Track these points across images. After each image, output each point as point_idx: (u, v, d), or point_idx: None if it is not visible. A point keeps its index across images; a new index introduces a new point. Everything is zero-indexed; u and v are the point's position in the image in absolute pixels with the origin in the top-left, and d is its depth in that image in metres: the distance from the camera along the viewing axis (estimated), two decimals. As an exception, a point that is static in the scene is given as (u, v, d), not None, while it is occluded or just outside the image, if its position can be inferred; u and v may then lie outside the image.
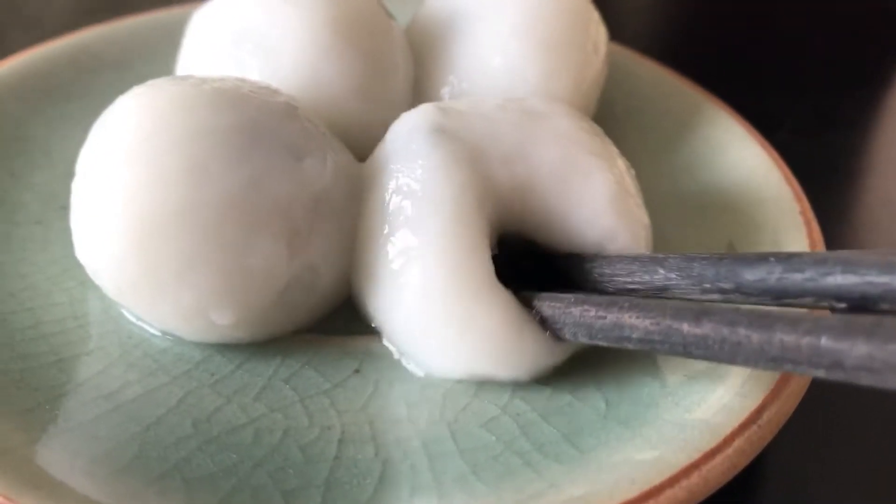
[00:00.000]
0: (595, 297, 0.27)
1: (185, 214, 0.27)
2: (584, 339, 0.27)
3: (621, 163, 0.31)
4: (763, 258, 0.25)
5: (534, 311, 0.28)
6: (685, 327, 0.24)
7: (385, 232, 0.29)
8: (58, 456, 0.25)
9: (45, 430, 0.26)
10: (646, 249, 0.30)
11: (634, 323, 0.26)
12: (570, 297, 0.28)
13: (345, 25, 0.35)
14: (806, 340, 0.21)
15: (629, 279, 0.28)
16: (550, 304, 0.28)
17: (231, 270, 0.28)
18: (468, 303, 0.27)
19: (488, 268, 0.28)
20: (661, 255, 0.28)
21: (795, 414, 0.28)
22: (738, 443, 0.26)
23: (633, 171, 0.31)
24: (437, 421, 0.28)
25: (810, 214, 0.34)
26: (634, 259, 0.28)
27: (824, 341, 0.21)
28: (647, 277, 0.28)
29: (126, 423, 0.27)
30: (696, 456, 0.25)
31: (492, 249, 0.29)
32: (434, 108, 0.30)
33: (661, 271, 0.27)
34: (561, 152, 0.29)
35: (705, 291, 0.26)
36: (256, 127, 0.29)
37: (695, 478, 0.25)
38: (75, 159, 0.30)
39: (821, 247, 0.33)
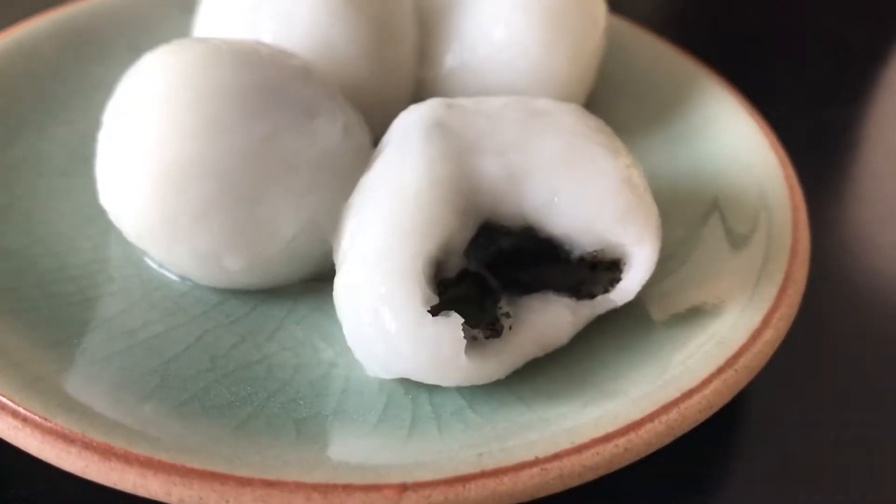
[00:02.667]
0: None
1: (203, 165, 0.29)
2: None
3: (629, 157, 0.31)
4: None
5: (484, 323, 0.29)
6: None
7: (355, 208, 0.30)
8: (86, 384, 0.28)
9: (74, 361, 0.28)
10: (657, 239, 0.30)
11: None
12: None
13: (356, -9, 0.36)
14: None
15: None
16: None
17: (243, 219, 0.30)
18: (383, 300, 0.27)
19: (419, 281, 0.27)
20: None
21: (773, 360, 0.30)
22: (715, 384, 0.28)
23: (640, 168, 0.31)
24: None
25: (794, 179, 0.36)
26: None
27: None
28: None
29: (148, 356, 0.29)
30: (675, 395, 0.27)
31: (467, 235, 0.29)
32: (441, 103, 0.31)
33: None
34: (563, 142, 0.30)
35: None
36: (273, 86, 0.30)
37: (673, 414, 0.27)
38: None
39: (802, 210, 0.35)
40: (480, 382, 0.28)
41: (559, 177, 0.29)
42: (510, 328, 0.29)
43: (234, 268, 0.30)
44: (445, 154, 0.29)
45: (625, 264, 0.30)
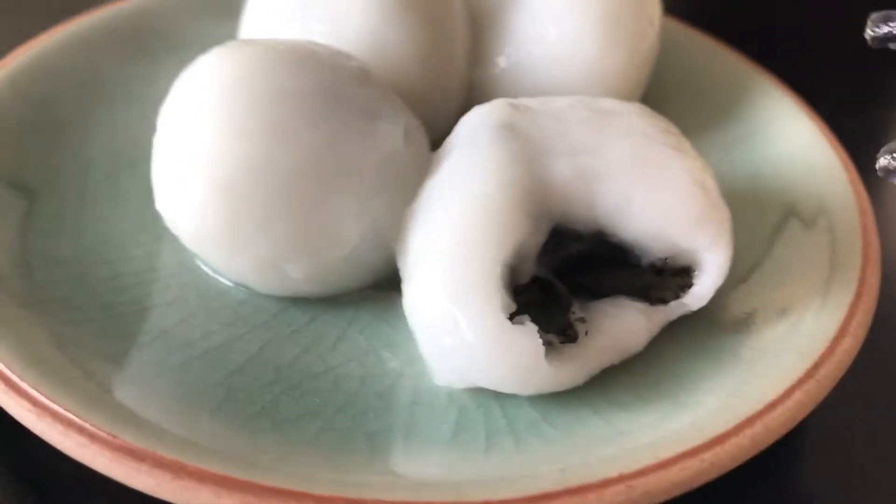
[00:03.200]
0: None
1: (265, 170, 0.28)
2: None
3: (700, 160, 0.30)
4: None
5: (559, 330, 0.28)
6: None
7: (422, 214, 0.29)
8: (151, 398, 0.27)
9: (136, 374, 0.28)
10: (730, 245, 0.29)
11: None
12: None
13: (409, -9, 0.35)
14: None
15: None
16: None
17: (305, 226, 0.29)
18: (461, 309, 0.26)
19: (497, 287, 0.26)
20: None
21: (845, 378, 0.29)
22: (797, 395, 0.27)
23: (711, 170, 0.30)
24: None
25: (859, 183, 0.35)
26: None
27: None
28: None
29: (211, 369, 0.28)
30: (758, 407, 0.26)
31: (539, 240, 0.28)
32: (506, 104, 0.31)
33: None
34: (634, 143, 0.29)
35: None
36: (333, 89, 0.30)
37: (758, 426, 0.26)
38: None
39: (869, 214, 0.34)
40: (558, 389, 0.27)
41: (631, 180, 0.28)
42: (586, 333, 0.28)
43: (296, 275, 0.29)
44: (515, 156, 0.28)
45: (695, 270, 0.29)
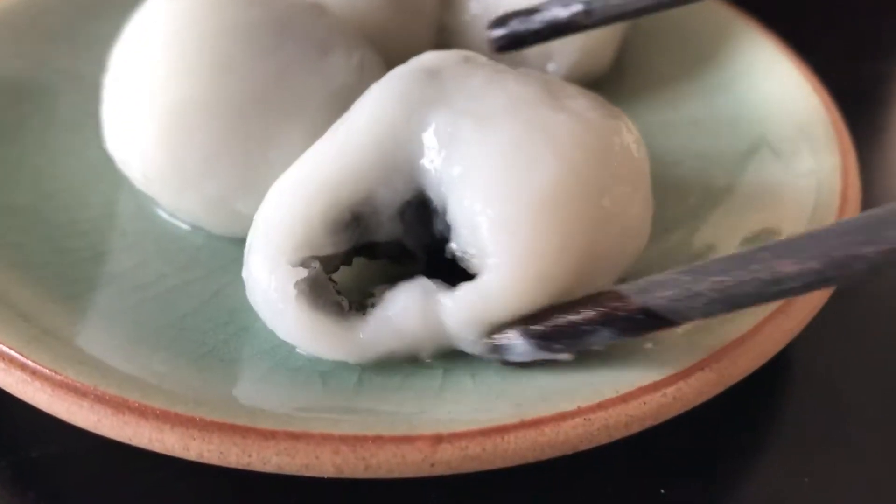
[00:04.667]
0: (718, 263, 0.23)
1: (210, 105, 0.28)
2: (723, 310, 0.23)
3: (598, 177, 0.25)
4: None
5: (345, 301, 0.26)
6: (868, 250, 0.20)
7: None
8: (98, 338, 0.26)
9: (85, 315, 0.27)
10: (523, 274, 0.24)
11: (789, 271, 0.21)
12: (678, 276, 0.23)
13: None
14: None
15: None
16: (660, 294, 0.23)
17: (255, 161, 0.28)
18: (272, 230, 0.25)
19: (309, 222, 0.25)
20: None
21: (823, 310, 0.28)
22: (768, 330, 0.26)
23: (609, 191, 0.25)
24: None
25: (841, 124, 0.34)
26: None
27: None
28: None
29: (163, 311, 0.27)
30: (726, 341, 0.25)
31: (396, 196, 0.26)
32: (460, 53, 0.28)
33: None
34: (524, 133, 0.25)
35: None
36: (282, 22, 0.29)
37: (725, 361, 0.25)
38: (103, 70, 0.31)
39: (851, 154, 0.33)
40: (327, 356, 0.25)
41: (482, 164, 0.24)
42: (372, 306, 0.26)
43: (247, 212, 0.28)
44: (407, 97, 0.26)
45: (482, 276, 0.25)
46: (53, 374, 0.24)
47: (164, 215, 0.31)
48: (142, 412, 0.23)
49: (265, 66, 0.28)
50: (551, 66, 0.37)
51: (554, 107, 0.25)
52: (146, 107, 0.28)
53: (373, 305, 0.26)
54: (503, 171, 0.24)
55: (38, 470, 0.27)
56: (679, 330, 0.26)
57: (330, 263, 0.26)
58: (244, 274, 0.26)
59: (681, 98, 0.38)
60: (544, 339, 0.24)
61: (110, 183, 0.32)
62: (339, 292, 0.26)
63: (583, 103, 0.26)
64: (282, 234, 0.25)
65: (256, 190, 0.28)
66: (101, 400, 0.23)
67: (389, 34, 0.34)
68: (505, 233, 0.24)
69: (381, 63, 0.31)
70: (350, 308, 0.25)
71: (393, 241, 0.26)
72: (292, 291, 0.25)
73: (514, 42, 0.32)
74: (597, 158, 0.25)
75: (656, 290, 0.23)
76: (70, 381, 0.23)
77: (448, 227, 0.25)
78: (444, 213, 0.25)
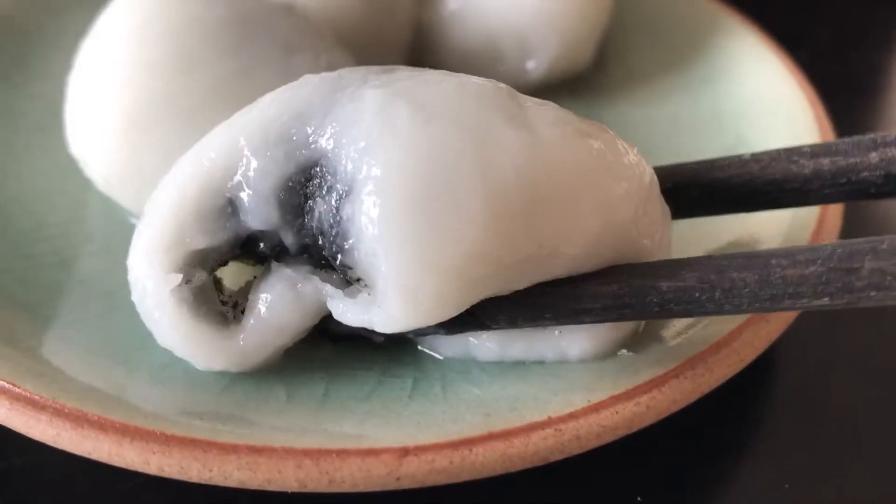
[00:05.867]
0: None
1: (172, 102, 0.27)
2: (525, 324, 0.24)
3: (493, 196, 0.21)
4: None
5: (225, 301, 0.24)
6: (663, 284, 0.22)
7: None
8: (59, 348, 0.25)
9: (48, 324, 0.26)
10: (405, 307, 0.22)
11: (597, 291, 0.22)
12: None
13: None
14: (811, 270, 0.20)
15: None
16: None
17: None
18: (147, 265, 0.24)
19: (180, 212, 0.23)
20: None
21: (805, 314, 0.27)
22: (746, 335, 0.25)
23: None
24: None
25: (825, 119, 0.33)
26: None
27: (832, 265, 0.20)
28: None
29: (128, 319, 0.27)
30: (702, 348, 0.25)
31: (280, 172, 0.23)
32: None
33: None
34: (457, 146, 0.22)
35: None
36: (247, 22, 0.28)
37: (700, 368, 0.24)
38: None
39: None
40: (206, 367, 0.24)
41: (400, 179, 0.21)
42: (242, 311, 0.24)
43: None
44: (339, 79, 0.23)
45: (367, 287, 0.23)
46: (12, 386, 0.23)
47: (133, 220, 0.30)
48: (101, 426, 0.22)
49: (228, 65, 0.27)
50: (531, 64, 0.36)
51: (510, 116, 0.22)
52: (106, 106, 0.27)
53: (242, 311, 0.24)
54: (423, 189, 0.21)
55: (4, 482, 0.26)
56: (654, 336, 0.25)
57: (209, 258, 0.24)
58: (129, 277, 0.24)
59: (662, 94, 0.37)
60: None
61: (78, 185, 0.31)
62: (224, 302, 0.24)
63: (548, 116, 0.23)
64: (155, 231, 0.23)
65: None
66: (59, 413, 0.22)
67: (364, 33, 0.34)
68: (401, 285, 0.21)
69: (353, 64, 0.30)
70: (232, 317, 0.24)
71: (271, 233, 0.23)
72: (169, 299, 0.23)
73: None
74: (540, 183, 0.22)
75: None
76: (28, 395, 0.23)
77: (331, 224, 0.22)
78: (337, 208, 0.22)
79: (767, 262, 0.21)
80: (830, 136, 0.32)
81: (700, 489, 0.27)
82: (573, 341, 0.25)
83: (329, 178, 0.22)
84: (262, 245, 0.24)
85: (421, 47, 0.36)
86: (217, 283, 0.25)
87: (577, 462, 0.23)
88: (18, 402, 0.23)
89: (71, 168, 0.32)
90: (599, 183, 0.23)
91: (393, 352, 0.26)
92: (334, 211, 0.22)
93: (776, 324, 0.26)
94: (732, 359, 0.25)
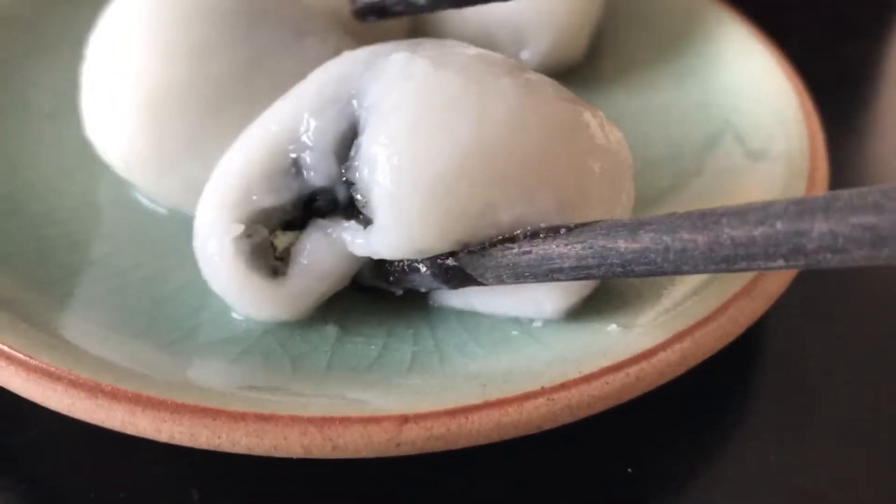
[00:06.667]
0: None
1: (190, 89, 0.28)
2: (510, 281, 0.25)
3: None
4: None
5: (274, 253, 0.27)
6: (621, 244, 0.23)
7: None
8: (73, 323, 0.27)
9: (62, 302, 0.27)
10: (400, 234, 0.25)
11: (564, 251, 0.24)
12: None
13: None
14: (760, 231, 0.20)
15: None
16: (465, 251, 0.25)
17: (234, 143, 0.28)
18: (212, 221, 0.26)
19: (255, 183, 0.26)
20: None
21: (794, 288, 0.28)
22: (731, 312, 0.26)
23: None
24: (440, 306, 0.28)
25: (811, 108, 0.34)
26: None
27: (780, 226, 0.19)
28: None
29: (138, 297, 0.28)
30: (690, 322, 0.26)
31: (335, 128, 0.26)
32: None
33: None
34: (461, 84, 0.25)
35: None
36: (258, 7, 0.30)
37: (688, 342, 0.25)
38: (82, 59, 0.31)
39: (819, 137, 0.33)
40: (259, 317, 0.27)
41: (412, 105, 0.25)
42: (286, 264, 0.27)
43: None
44: (375, 51, 0.27)
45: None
46: (28, 358, 0.24)
47: (143, 203, 0.31)
48: (114, 395, 0.23)
49: (242, 51, 0.28)
50: (525, 54, 0.37)
51: (511, 72, 0.26)
52: (126, 92, 0.28)
53: (286, 263, 0.26)
54: (422, 116, 0.25)
55: (18, 455, 0.27)
56: (642, 312, 0.27)
57: (272, 218, 0.26)
58: (195, 224, 0.27)
59: (654, 84, 0.38)
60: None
61: (88, 171, 0.33)
62: (279, 259, 0.26)
63: (550, 91, 0.26)
64: (225, 186, 0.26)
65: None
66: (74, 384, 0.23)
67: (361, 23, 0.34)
68: (392, 197, 0.24)
69: (356, 47, 0.31)
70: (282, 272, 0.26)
71: (328, 190, 0.26)
72: (229, 248, 0.26)
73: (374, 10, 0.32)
74: (529, 127, 0.25)
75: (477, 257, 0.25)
76: (44, 366, 0.24)
77: (359, 161, 0.25)
78: (359, 147, 0.25)
79: (717, 222, 0.21)
80: (817, 127, 0.33)
81: (690, 461, 0.28)
82: (547, 296, 0.27)
83: (363, 125, 0.25)
84: (318, 201, 0.26)
85: (417, 37, 0.37)
86: (271, 243, 0.27)
87: (570, 430, 0.25)
88: (35, 373, 0.24)
89: (81, 155, 0.33)
90: (580, 145, 0.25)
91: (392, 325, 0.27)
92: (361, 149, 0.25)
93: (761, 301, 0.27)
94: (718, 333, 0.26)
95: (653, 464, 0.27)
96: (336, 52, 0.30)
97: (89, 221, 0.31)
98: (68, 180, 0.32)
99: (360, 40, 0.32)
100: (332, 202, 0.26)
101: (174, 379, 0.24)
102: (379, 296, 0.28)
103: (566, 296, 0.27)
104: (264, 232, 0.26)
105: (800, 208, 0.19)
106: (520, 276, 0.25)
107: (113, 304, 0.27)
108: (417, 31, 0.37)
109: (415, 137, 0.24)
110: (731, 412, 0.30)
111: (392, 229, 0.25)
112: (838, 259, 0.19)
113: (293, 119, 0.26)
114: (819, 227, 0.19)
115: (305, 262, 0.26)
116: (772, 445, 0.28)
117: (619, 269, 0.23)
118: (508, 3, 0.35)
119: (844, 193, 0.19)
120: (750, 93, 0.36)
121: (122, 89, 0.29)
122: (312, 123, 0.26)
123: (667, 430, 0.28)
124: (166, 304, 0.28)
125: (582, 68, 0.39)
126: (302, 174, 0.26)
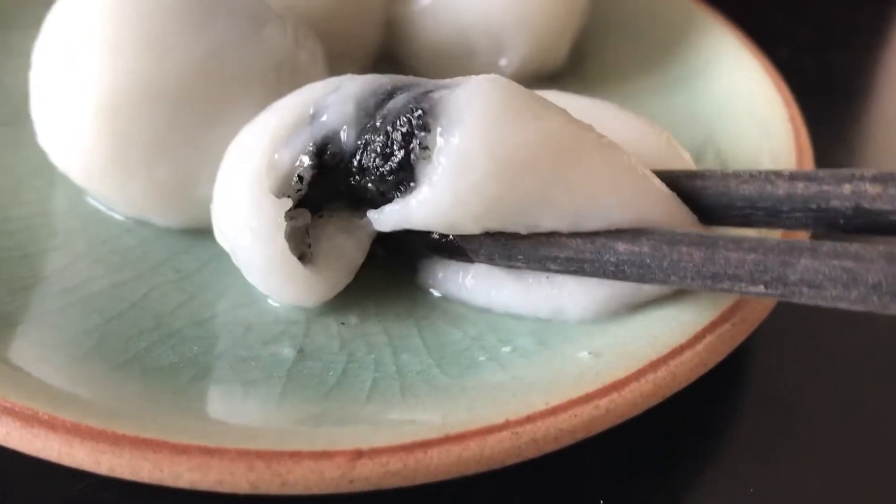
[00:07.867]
0: None
1: (149, 88, 0.27)
2: (501, 262, 0.26)
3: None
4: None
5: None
6: (621, 245, 0.24)
7: None
8: (18, 344, 0.25)
9: (7, 321, 0.26)
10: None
11: (564, 241, 0.25)
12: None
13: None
14: (752, 256, 0.22)
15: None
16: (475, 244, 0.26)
17: (203, 142, 0.27)
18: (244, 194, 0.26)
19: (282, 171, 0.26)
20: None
21: (776, 319, 0.27)
22: (709, 339, 0.25)
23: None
24: (405, 318, 0.27)
25: (799, 120, 0.33)
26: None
27: (771, 256, 0.22)
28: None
29: (87, 315, 0.27)
30: (664, 351, 0.25)
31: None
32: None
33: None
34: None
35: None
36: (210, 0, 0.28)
37: (662, 372, 0.24)
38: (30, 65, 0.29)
39: (808, 151, 0.32)
40: (308, 302, 0.27)
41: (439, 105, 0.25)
42: (309, 246, 0.27)
43: (204, 197, 0.27)
44: None
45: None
46: (-36, 386, 0.23)
47: (101, 213, 0.30)
48: (51, 425, 0.22)
49: (199, 45, 0.27)
50: (503, 61, 0.36)
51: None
52: (81, 96, 0.27)
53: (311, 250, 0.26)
54: (517, 98, 0.25)
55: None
56: (615, 337, 0.25)
57: (292, 191, 0.26)
58: (214, 207, 0.26)
59: (639, 92, 0.37)
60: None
61: (44, 181, 0.31)
62: (309, 245, 0.26)
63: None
64: (255, 158, 0.25)
65: (208, 171, 0.27)
66: (9, 412, 0.22)
67: (334, 28, 0.33)
68: (460, 165, 0.24)
69: (314, 34, 0.30)
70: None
71: (337, 136, 0.26)
72: (270, 226, 0.25)
73: None
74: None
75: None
76: (-25, 393, 0.23)
77: (412, 109, 0.25)
78: (417, 98, 0.25)
79: (715, 242, 0.23)
80: (804, 138, 0.32)
81: (664, 492, 0.27)
82: (572, 299, 0.26)
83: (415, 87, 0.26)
84: (327, 152, 0.26)
85: (393, 42, 0.36)
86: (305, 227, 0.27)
87: (536, 463, 0.23)
88: (-34, 400, 0.22)
89: (37, 163, 0.31)
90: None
91: (353, 349, 0.26)
92: (416, 99, 0.25)
93: (741, 327, 0.26)
94: (695, 362, 0.25)
95: (625, 494, 0.26)
96: (295, 39, 0.29)
97: (42, 232, 0.30)
98: (25, 189, 0.31)
99: (329, 52, 0.31)
100: (339, 153, 0.26)
101: (116, 407, 0.23)
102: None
103: (596, 300, 0.26)
104: (307, 216, 0.26)
105: (790, 245, 0.22)
106: (513, 258, 0.25)
107: (59, 323, 0.26)
108: (393, 34, 0.36)
109: (506, 118, 0.24)
110: (709, 440, 0.28)
111: (441, 199, 0.24)
112: (812, 294, 0.21)
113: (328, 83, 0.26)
114: (804, 262, 0.21)
115: (329, 249, 0.26)
116: (751, 476, 0.27)
117: (611, 269, 0.24)
118: (487, 9, 0.35)
119: (830, 242, 0.21)
120: (738, 104, 0.35)
121: (77, 94, 0.27)
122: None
123: (641, 458, 0.27)
124: (115, 323, 0.26)
125: (568, 74, 0.38)
126: (318, 118, 0.26)
